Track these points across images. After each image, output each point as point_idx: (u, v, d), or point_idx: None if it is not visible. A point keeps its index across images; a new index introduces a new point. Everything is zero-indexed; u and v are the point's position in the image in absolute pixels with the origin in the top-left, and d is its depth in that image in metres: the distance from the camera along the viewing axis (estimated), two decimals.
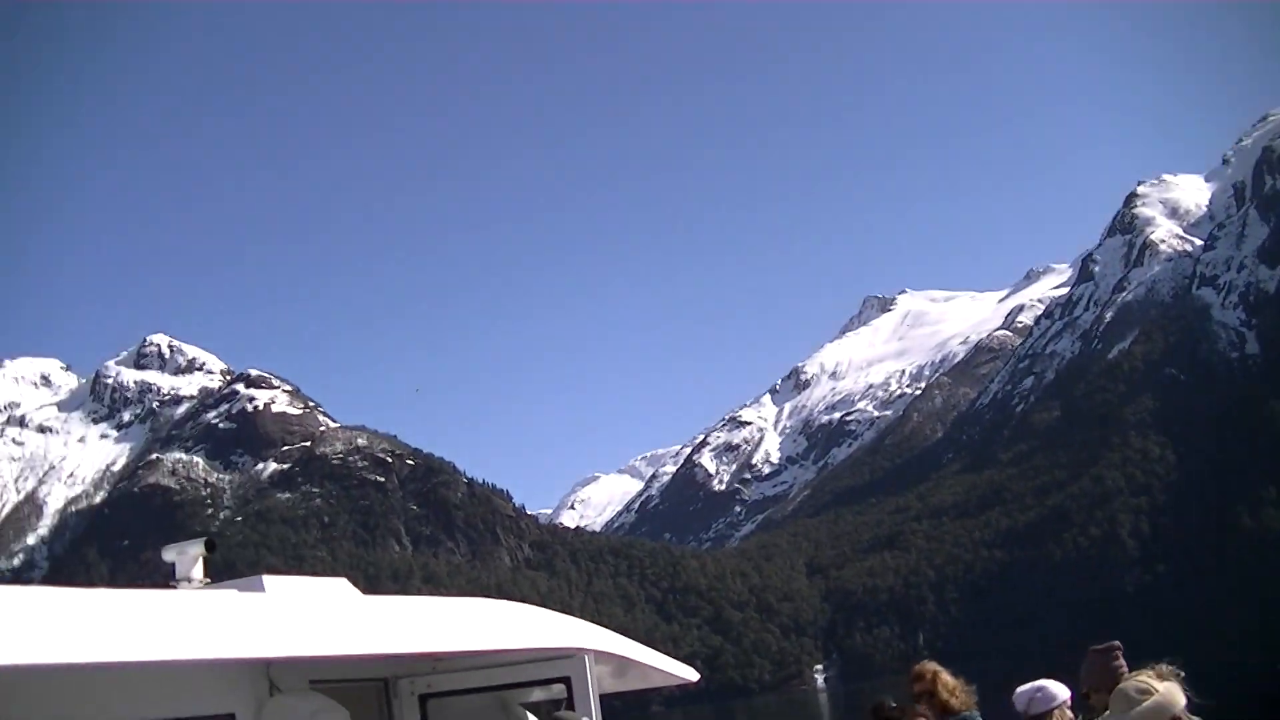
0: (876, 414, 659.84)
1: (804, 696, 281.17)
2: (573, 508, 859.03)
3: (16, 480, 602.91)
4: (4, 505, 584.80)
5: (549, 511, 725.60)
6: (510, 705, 11.86)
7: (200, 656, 7.70)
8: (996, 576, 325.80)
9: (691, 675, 14.52)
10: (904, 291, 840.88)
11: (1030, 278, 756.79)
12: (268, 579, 10.20)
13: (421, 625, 10.22)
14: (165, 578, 10.69)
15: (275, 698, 9.30)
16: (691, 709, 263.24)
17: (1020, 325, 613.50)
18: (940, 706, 11.78)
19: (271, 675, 9.33)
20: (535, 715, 12.04)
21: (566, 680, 10.89)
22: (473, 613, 11.17)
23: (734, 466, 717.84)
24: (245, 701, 9.18)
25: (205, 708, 8.90)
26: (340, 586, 10.99)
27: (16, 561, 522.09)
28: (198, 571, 10.59)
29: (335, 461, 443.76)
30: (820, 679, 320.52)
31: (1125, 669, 10.79)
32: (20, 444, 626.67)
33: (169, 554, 10.79)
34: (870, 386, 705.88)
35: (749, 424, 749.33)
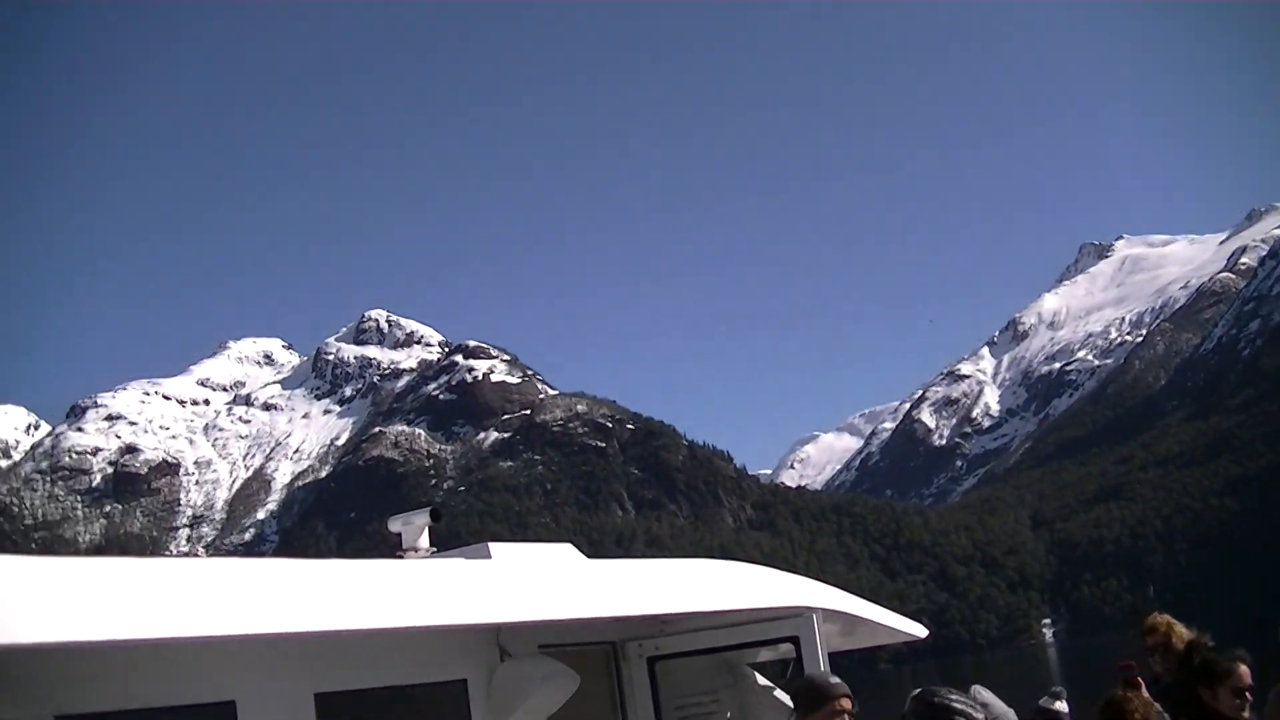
0: (1097, 363, 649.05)
1: (1033, 651, 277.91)
2: (792, 467, 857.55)
3: (245, 457, 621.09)
4: (234, 481, 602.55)
5: (768, 472, 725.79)
6: (738, 666, 11.94)
7: (432, 623, 8.00)
8: (1227, 526, 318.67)
9: (920, 631, 14.07)
10: (1121, 237, 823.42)
11: (1252, 218, 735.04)
12: (494, 546, 10.61)
13: (648, 588, 10.50)
14: (392, 548, 11.16)
15: (506, 662, 9.61)
16: (919, 666, 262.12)
17: (1243, 267, 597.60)
18: (1176, 658, 11.41)
19: (501, 641, 9.63)
20: (763, 676, 12.10)
21: (795, 640, 10.77)
22: (699, 574, 11.31)
23: (953, 421, 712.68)
24: (477, 667, 9.52)
25: (438, 674, 9.27)
26: (566, 552, 11.35)
27: (248, 536, 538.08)
28: (424, 541, 11.06)
29: (555, 428, 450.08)
30: (1048, 633, 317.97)
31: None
32: (247, 422, 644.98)
33: (395, 524, 11.27)
34: (1089, 335, 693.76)
35: (967, 377, 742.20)
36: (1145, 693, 10.71)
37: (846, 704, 8.06)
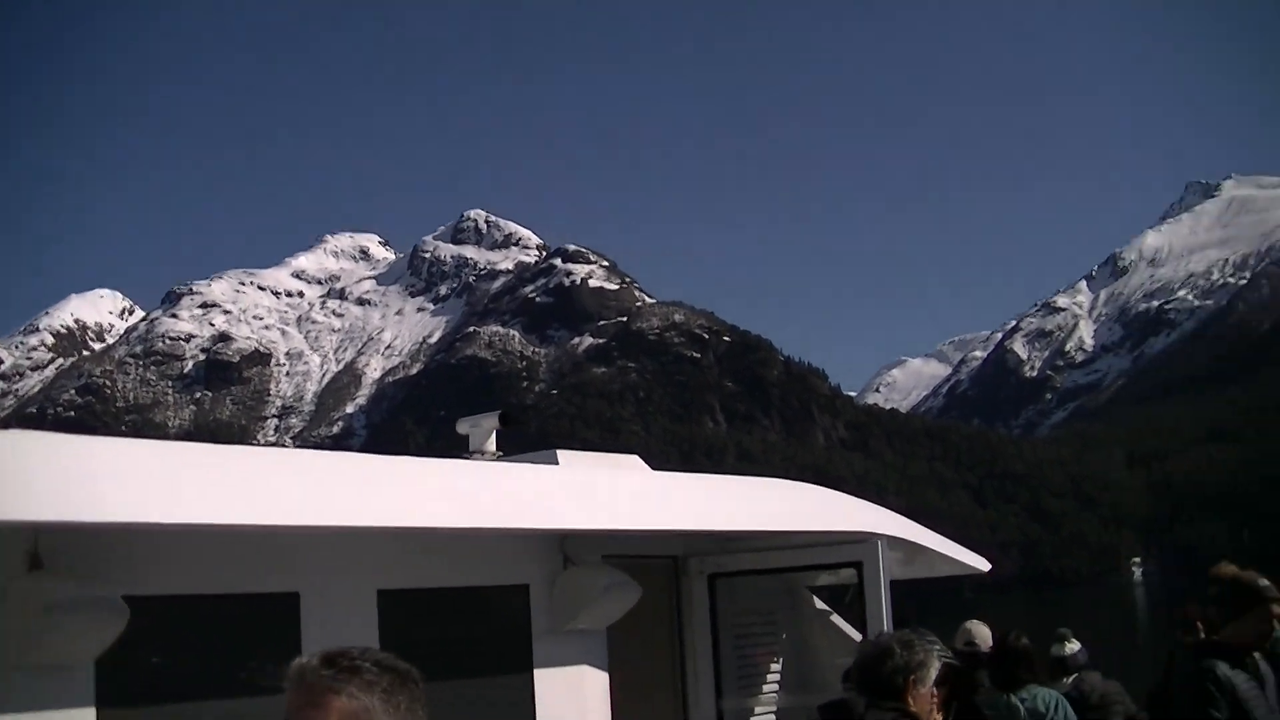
0: (1197, 303, 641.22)
1: (1121, 590, 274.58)
2: (878, 390, 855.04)
3: (336, 351, 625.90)
4: (325, 374, 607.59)
5: (854, 394, 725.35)
6: (797, 590, 12.06)
7: (496, 526, 8.17)
8: None
9: (984, 565, 13.53)
10: (1229, 177, 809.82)
11: None
12: (562, 453, 10.32)
13: (713, 504, 10.44)
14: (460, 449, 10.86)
15: (569, 570, 9.50)
16: (1004, 598, 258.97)
17: None
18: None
19: (565, 548, 9.50)
20: (822, 600, 12.13)
21: (858, 565, 10.51)
22: (764, 493, 11.24)
23: (1046, 353, 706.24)
24: (540, 573, 9.46)
25: (501, 577, 9.34)
26: (633, 463, 11.05)
27: (336, 429, 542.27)
28: (491, 444, 10.78)
29: (652, 337, 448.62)
30: (1139, 572, 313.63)
31: None
32: (340, 315, 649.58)
33: (463, 426, 11.09)
34: (1191, 275, 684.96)
35: (1063, 310, 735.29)
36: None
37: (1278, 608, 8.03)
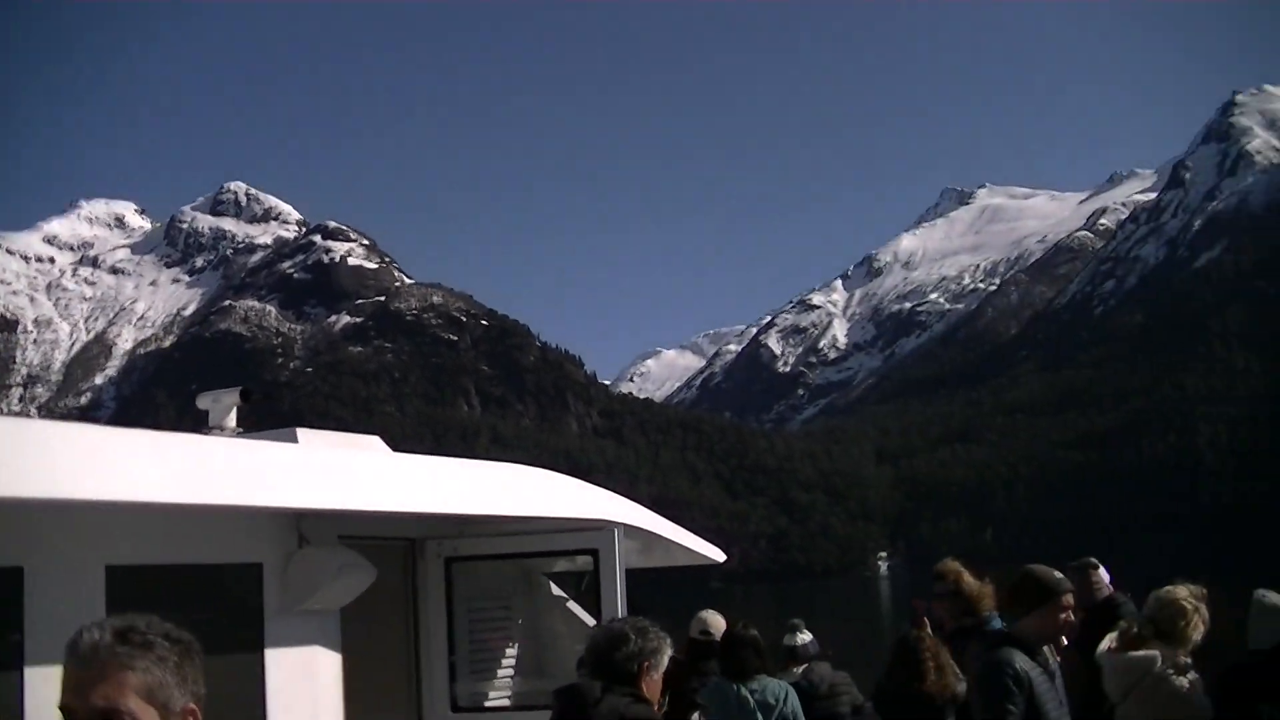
0: (948, 307, 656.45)
1: (866, 583, 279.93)
2: (632, 380, 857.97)
3: (87, 320, 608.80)
4: (74, 344, 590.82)
5: (608, 383, 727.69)
6: (534, 575, 12.05)
7: (230, 503, 7.97)
8: (1071, 477, 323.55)
9: (719, 556, 13.89)
10: (984, 186, 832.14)
11: (1113, 181, 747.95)
12: (302, 432, 10.05)
13: (451, 487, 10.31)
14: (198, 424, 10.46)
15: (303, 549, 9.26)
16: (752, 588, 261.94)
17: (1102, 228, 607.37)
18: (963, 607, 11.31)
19: (301, 528, 9.25)
20: (559, 586, 12.16)
21: (594, 552, 10.56)
22: (503, 478, 11.16)
23: (800, 349, 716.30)
24: (273, 552, 9.18)
25: (234, 555, 8.98)
26: (373, 444, 10.77)
27: (84, 400, 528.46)
28: (231, 420, 10.44)
29: (409, 318, 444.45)
30: (884, 566, 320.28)
31: (1106, 588, 11.47)
32: (92, 284, 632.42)
33: (203, 401, 10.65)
34: (943, 279, 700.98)
35: (818, 308, 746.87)
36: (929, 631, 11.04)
37: (1071, 600, 8.28)
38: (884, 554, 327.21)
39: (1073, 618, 8.47)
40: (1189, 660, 8.49)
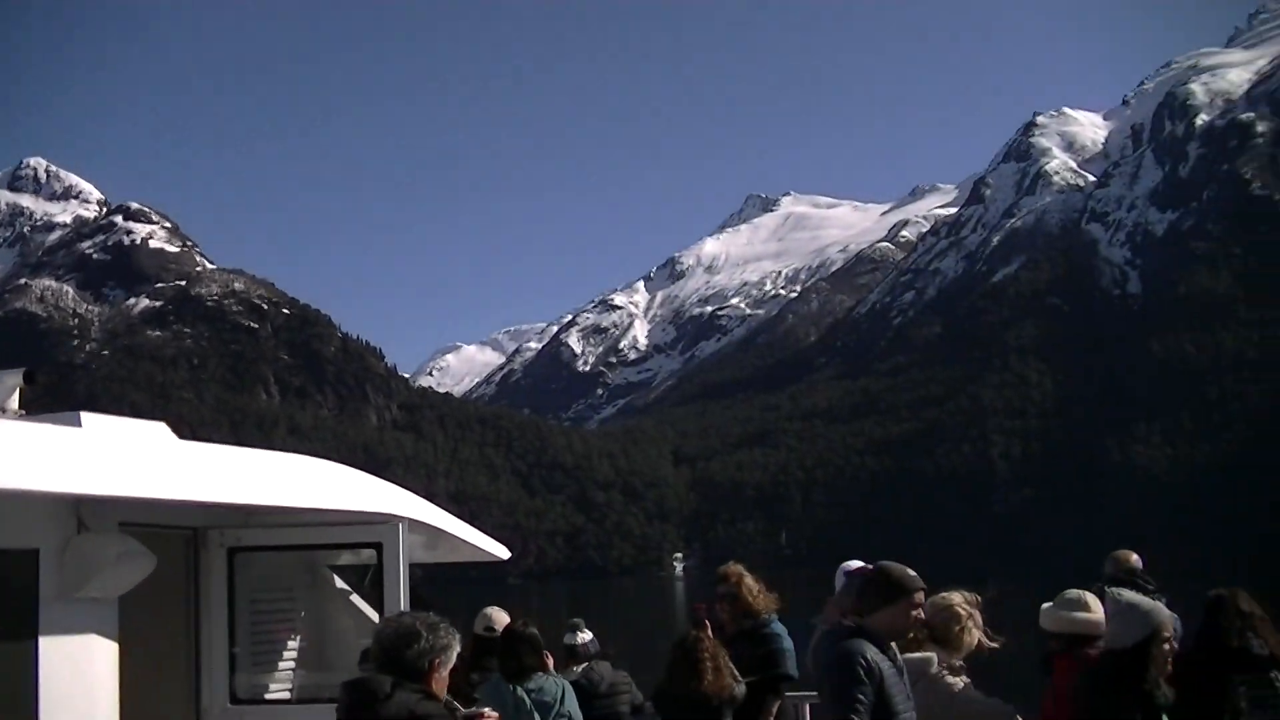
0: (749, 312, 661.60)
1: (661, 583, 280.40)
2: (431, 374, 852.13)
3: None
4: None
5: (406, 376, 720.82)
6: (318, 567, 11.87)
7: (6, 487, 7.72)
8: (866, 483, 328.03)
9: (504, 553, 13.85)
10: (788, 194, 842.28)
11: (915, 194, 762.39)
12: (86, 416, 9.72)
13: (235, 476, 9.93)
14: None
15: (82, 535, 8.99)
16: (548, 585, 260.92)
17: (903, 240, 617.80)
18: (743, 609, 11.81)
19: (81, 513, 8.97)
20: (343, 579, 12.04)
21: (378, 546, 10.49)
22: (288, 468, 10.74)
23: (600, 349, 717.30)
24: (51, 537, 8.88)
25: (9, 541, 8.66)
26: (158, 430, 10.54)
27: None
28: (13, 403, 10.28)
29: (210, 303, 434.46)
30: (679, 567, 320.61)
31: None
32: None
33: None
34: (745, 284, 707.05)
35: (620, 308, 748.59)
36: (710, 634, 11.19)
37: (922, 598, 8.34)
38: (680, 555, 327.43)
39: (923, 615, 8.43)
40: (962, 663, 8.97)
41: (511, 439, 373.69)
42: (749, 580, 12.02)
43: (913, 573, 8.23)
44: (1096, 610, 9.30)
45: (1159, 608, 8.90)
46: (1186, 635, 10.75)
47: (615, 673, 12.71)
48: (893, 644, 8.25)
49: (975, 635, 9.06)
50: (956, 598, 9.20)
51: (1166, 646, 8.83)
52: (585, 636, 12.88)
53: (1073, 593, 9.43)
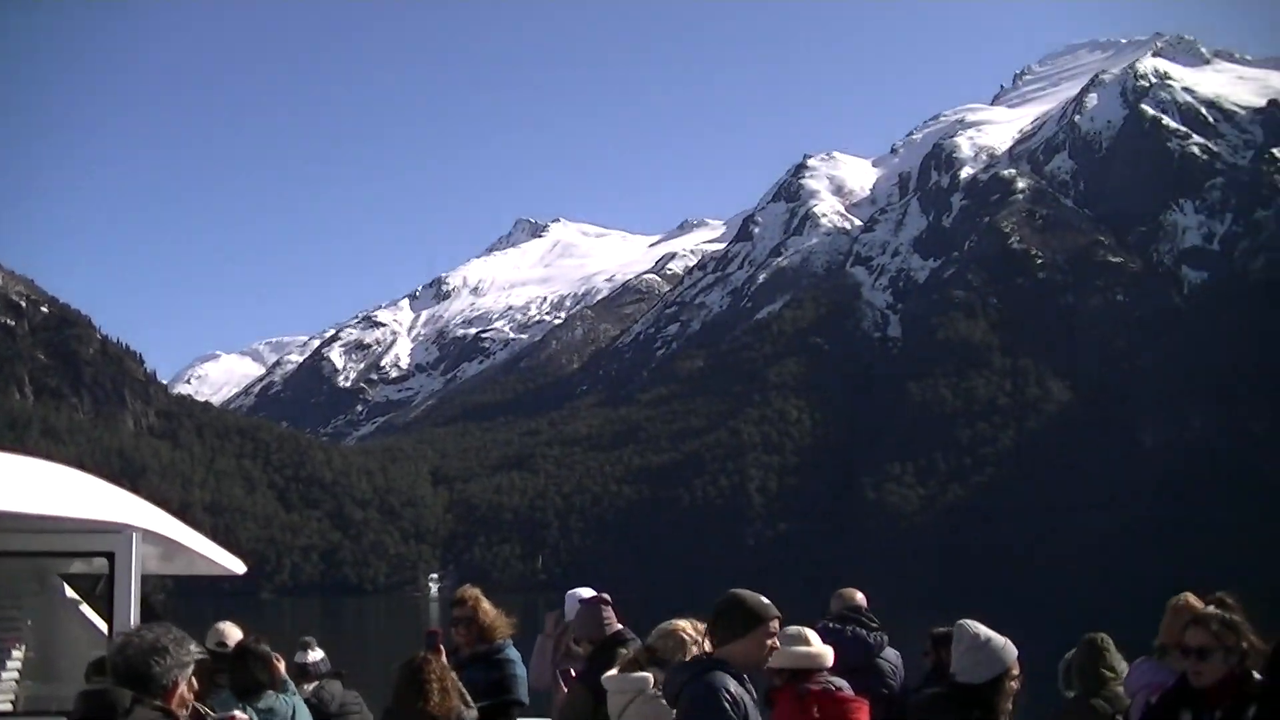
0: (513, 336, 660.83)
1: (416, 602, 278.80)
2: (189, 382, 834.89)
3: None
4: None
5: (165, 383, 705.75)
6: (48, 575, 11.69)
7: None
8: (624, 512, 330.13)
9: (240, 568, 13.50)
10: (558, 220, 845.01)
11: (684, 228, 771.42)
12: None
13: None
14: None
15: None
16: (301, 601, 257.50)
17: (669, 272, 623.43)
18: (479, 632, 12.00)
19: None
20: (72, 589, 11.86)
21: (110, 555, 10.10)
22: (16, 472, 10.08)
23: (362, 365, 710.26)
24: None
25: None
26: None
27: None
28: None
29: None
30: (434, 587, 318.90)
31: (613, 622, 11.42)
32: None
33: None
34: (510, 308, 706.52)
35: (384, 325, 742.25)
36: (445, 659, 11.09)
37: (777, 626, 8.22)
38: (435, 575, 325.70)
39: (779, 644, 8.32)
40: None
41: (270, 451, 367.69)
42: (485, 604, 12.15)
43: (766, 600, 8.13)
44: (816, 644, 9.48)
45: (1008, 644, 8.94)
46: (910, 671, 11.25)
47: (346, 692, 12.89)
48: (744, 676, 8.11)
49: None
50: (683, 623, 9.36)
51: (1014, 684, 8.86)
52: (316, 655, 13.10)
53: (793, 629, 9.49)
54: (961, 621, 9.20)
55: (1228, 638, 8.04)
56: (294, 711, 10.73)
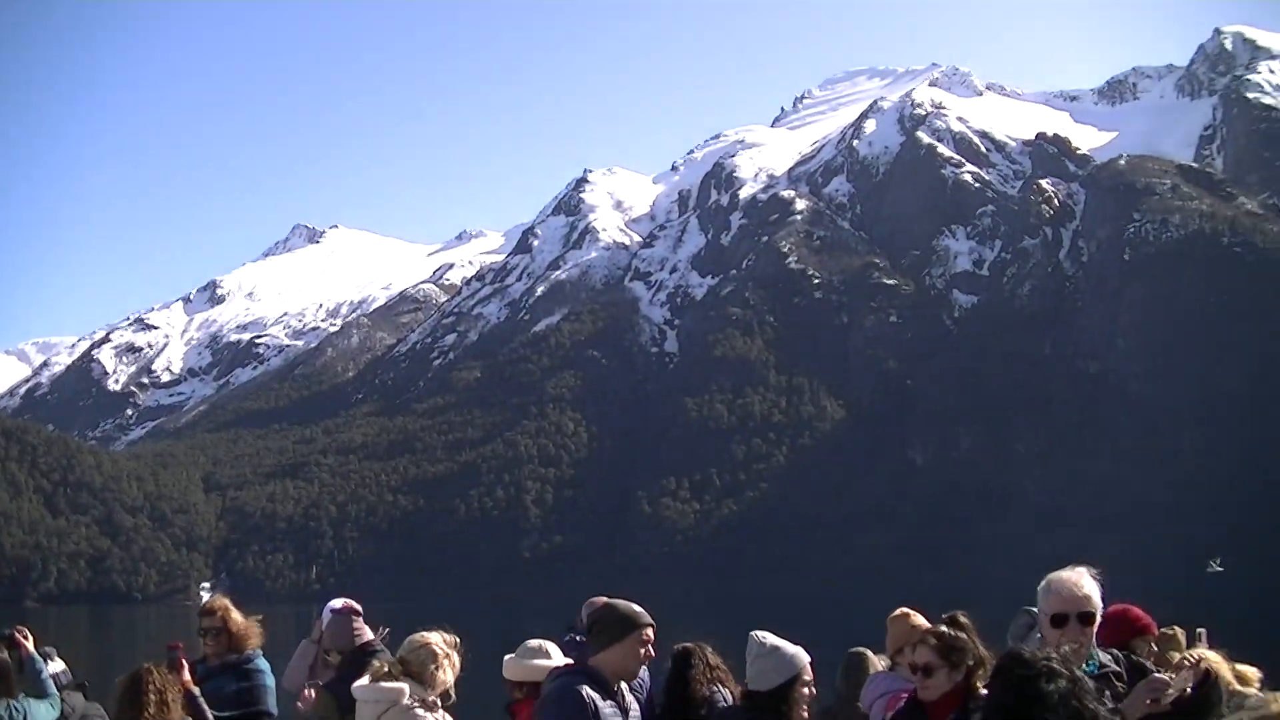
0: (288, 342, 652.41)
1: (186, 611, 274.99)
2: None
3: None
4: None
5: None
6: None
7: None
8: (399, 522, 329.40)
9: None
10: (335, 227, 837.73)
11: (462, 239, 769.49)
12: None
13: None
14: None
15: None
16: (68, 610, 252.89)
17: (447, 283, 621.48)
18: (228, 642, 12.06)
19: None
20: None
21: None
22: None
23: (133, 368, 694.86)
24: None
25: None
26: None
27: None
28: None
29: None
30: (206, 596, 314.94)
31: (363, 632, 11.93)
32: None
33: None
34: (285, 314, 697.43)
35: (156, 328, 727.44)
36: (187, 674, 11.10)
37: (651, 633, 8.31)
38: (207, 584, 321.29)
39: (653, 652, 8.77)
40: (437, 700, 9.24)
41: (37, 455, 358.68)
42: (235, 615, 12.28)
43: (639, 608, 8.60)
44: (558, 657, 10.15)
45: (800, 652, 9.37)
46: (654, 685, 11.51)
47: (88, 704, 12.66)
48: (621, 685, 8.65)
49: (450, 676, 9.39)
50: (435, 636, 9.50)
51: (806, 691, 9.31)
52: (57, 666, 12.82)
53: (534, 642, 10.25)
54: (754, 631, 9.50)
55: (952, 655, 8.40)
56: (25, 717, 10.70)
